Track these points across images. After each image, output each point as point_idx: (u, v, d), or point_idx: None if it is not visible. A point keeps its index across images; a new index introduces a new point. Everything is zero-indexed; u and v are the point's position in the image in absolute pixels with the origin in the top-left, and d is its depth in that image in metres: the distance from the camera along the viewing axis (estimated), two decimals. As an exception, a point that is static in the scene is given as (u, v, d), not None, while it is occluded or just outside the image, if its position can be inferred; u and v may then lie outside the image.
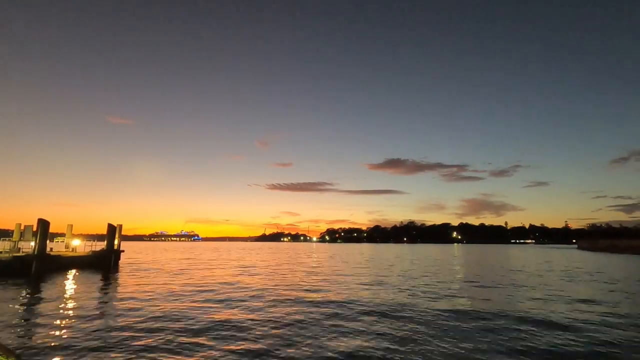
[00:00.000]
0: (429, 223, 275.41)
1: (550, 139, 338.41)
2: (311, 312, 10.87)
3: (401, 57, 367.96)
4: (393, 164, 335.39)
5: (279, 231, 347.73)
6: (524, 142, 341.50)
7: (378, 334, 8.52)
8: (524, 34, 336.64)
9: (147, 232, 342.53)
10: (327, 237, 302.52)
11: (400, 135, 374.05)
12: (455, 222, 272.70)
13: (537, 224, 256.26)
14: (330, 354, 7.05)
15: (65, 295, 13.89)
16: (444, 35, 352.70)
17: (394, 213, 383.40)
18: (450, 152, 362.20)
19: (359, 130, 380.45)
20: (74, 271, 23.35)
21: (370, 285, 17.46)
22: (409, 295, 14.35)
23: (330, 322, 9.61)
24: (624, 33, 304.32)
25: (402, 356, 6.93)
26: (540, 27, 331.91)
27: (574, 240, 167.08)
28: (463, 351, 7.25)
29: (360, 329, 8.99)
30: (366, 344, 7.72)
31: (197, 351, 7.17)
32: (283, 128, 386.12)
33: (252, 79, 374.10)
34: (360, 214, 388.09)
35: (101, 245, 28.48)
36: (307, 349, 7.32)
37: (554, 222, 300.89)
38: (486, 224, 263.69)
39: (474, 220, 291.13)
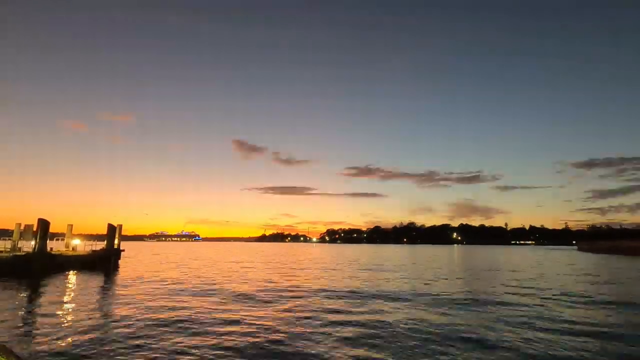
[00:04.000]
0: (427, 224, 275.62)
1: (511, 147, 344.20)
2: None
3: (365, 70, 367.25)
4: (365, 171, 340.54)
5: (279, 232, 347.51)
6: (508, 150, 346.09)
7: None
8: (492, 46, 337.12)
9: (148, 232, 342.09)
10: (327, 237, 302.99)
11: (370, 144, 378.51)
12: (455, 224, 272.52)
13: (537, 225, 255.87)
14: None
15: (65, 295, 13.92)
16: (409, 53, 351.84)
17: (388, 215, 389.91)
18: (418, 159, 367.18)
19: (336, 139, 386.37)
20: (73, 271, 23.39)
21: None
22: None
23: None
24: (589, 48, 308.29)
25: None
26: (509, 38, 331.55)
27: (574, 242, 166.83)
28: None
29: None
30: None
31: (196, 351, 7.22)
32: (276, 131, 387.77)
33: (242, 86, 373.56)
34: (356, 216, 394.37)
35: (101, 245, 28.54)
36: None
37: (542, 224, 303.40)
38: (486, 225, 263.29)
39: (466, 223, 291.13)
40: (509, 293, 15.20)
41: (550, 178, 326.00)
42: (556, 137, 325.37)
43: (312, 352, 7.21)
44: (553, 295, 14.78)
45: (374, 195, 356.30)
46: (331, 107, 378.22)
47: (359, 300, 13.21)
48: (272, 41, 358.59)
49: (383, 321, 9.80)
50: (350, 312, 11.06)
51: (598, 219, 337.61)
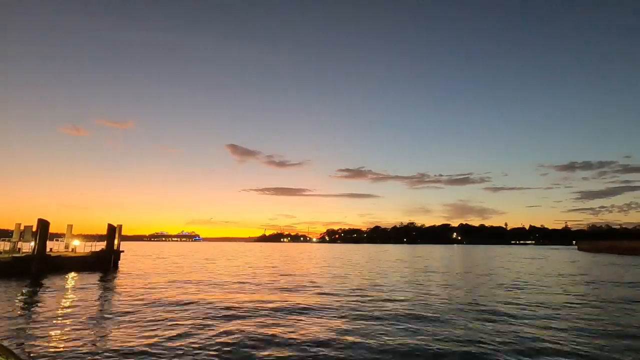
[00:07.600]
0: (427, 224, 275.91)
1: (498, 150, 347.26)
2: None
3: (353, 73, 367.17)
4: (357, 174, 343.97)
5: (279, 232, 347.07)
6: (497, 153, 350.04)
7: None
8: (481, 51, 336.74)
9: (148, 232, 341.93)
10: (326, 237, 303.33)
11: (361, 147, 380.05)
12: (453, 224, 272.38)
13: (536, 225, 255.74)
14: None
15: (65, 296, 13.92)
16: (395, 60, 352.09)
17: (386, 216, 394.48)
18: (408, 161, 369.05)
19: (327, 142, 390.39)
20: (73, 272, 23.35)
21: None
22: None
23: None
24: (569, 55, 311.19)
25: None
26: (497, 44, 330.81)
27: (574, 242, 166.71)
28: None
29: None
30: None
31: (195, 352, 7.22)
32: (268, 135, 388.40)
33: (235, 91, 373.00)
34: (354, 216, 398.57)
35: (101, 246, 28.50)
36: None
37: (539, 224, 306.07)
38: (486, 225, 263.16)
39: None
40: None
41: (536, 180, 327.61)
42: (538, 141, 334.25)
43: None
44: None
45: (369, 196, 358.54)
46: (321, 110, 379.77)
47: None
48: (263, 46, 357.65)
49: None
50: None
51: (592, 219, 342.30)
